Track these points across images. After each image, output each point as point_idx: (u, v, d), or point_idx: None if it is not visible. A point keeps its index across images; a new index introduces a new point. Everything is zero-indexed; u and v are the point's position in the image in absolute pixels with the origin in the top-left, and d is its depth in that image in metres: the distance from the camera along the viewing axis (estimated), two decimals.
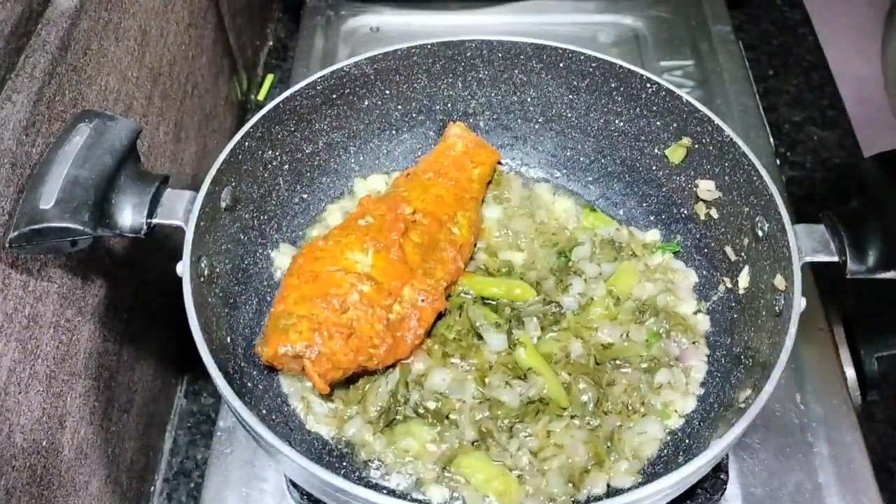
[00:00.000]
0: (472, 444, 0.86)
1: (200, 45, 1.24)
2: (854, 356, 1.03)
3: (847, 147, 1.47)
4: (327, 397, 0.89)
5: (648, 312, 0.96)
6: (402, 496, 0.83)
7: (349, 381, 0.89)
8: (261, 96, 1.51)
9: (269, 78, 1.55)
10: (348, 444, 0.87)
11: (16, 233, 0.71)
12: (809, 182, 1.42)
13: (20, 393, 0.76)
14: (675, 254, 1.03)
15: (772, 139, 1.31)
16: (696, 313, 0.97)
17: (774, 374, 0.71)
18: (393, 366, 0.90)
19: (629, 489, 0.83)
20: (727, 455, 0.92)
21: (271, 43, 1.64)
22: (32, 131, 0.77)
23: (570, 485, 0.84)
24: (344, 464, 0.86)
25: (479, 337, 0.93)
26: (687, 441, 0.86)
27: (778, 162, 1.32)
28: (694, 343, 0.94)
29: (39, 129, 0.78)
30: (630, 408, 0.89)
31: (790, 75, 1.60)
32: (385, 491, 0.84)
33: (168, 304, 0.79)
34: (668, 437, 0.88)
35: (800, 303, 0.76)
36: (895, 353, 1.02)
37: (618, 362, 0.92)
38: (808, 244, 0.80)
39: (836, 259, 0.79)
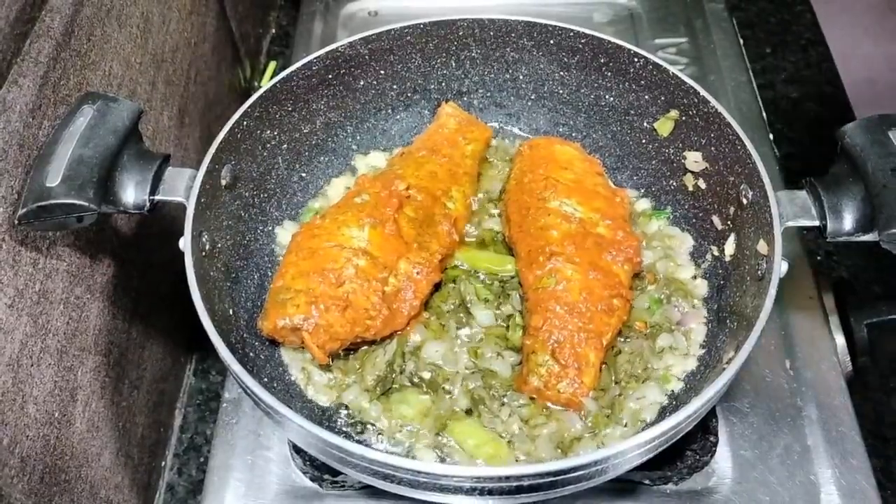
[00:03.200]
0: (466, 412, 0.89)
1: (203, 33, 1.27)
2: (844, 323, 1.04)
3: (844, 122, 1.47)
4: (326, 367, 0.92)
5: (648, 280, 0.99)
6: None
7: (348, 351, 0.92)
8: (263, 83, 1.53)
9: (272, 65, 1.58)
10: (346, 410, 0.90)
11: (24, 210, 0.74)
12: (806, 158, 1.44)
13: (32, 365, 0.79)
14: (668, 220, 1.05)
15: (764, 114, 1.33)
16: (694, 278, 0.99)
17: (754, 335, 0.73)
18: (391, 336, 0.93)
19: None
20: (716, 418, 0.94)
21: (274, 30, 1.67)
22: (38, 114, 0.80)
23: (559, 450, 0.86)
24: (344, 429, 0.89)
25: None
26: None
27: (772, 137, 1.33)
28: (693, 306, 0.97)
29: (45, 111, 0.81)
30: (631, 375, 0.91)
31: (788, 52, 1.61)
32: None
33: (176, 286, 0.82)
34: (668, 402, 0.90)
35: (780, 266, 0.78)
36: (885, 320, 1.03)
37: (621, 331, 0.94)
38: (790, 209, 0.82)
39: (816, 223, 0.81)
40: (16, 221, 0.75)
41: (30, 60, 0.80)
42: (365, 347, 0.94)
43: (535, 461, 0.85)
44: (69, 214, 0.76)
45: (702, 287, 0.98)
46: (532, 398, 0.89)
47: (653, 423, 0.87)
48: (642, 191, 1.08)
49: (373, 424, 0.89)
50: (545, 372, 0.87)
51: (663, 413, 0.89)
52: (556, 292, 0.90)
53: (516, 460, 0.85)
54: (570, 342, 0.87)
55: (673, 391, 0.91)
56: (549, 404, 0.88)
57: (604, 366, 0.90)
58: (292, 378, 0.92)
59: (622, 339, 0.93)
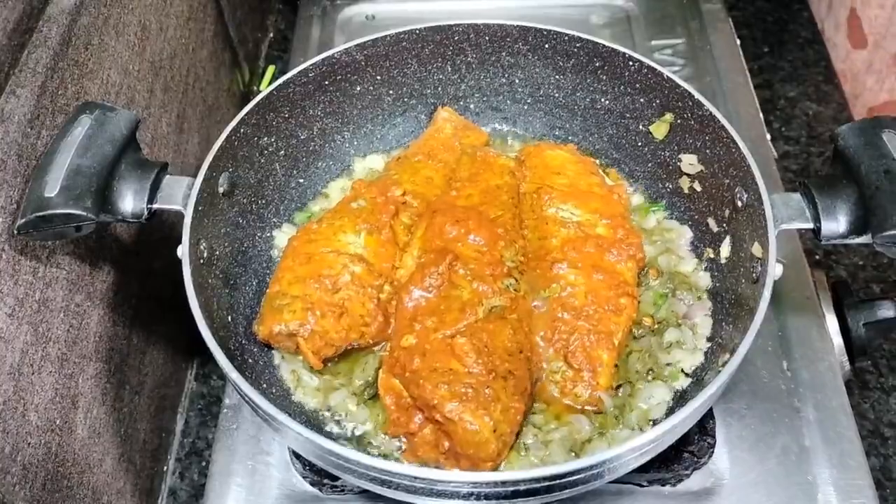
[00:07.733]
0: None
1: (201, 38, 1.27)
2: (842, 323, 1.04)
3: (842, 121, 1.48)
4: (316, 371, 0.92)
5: (651, 275, 0.99)
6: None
7: (341, 355, 0.92)
8: (263, 87, 1.54)
9: (271, 69, 1.58)
10: (333, 413, 0.90)
11: (23, 220, 0.75)
12: (804, 156, 1.44)
13: (33, 374, 0.80)
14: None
15: (762, 115, 1.33)
16: (695, 270, 1.00)
17: (748, 338, 0.73)
18: (382, 342, 0.93)
19: None
20: (713, 420, 0.94)
21: (272, 34, 1.67)
22: (37, 124, 0.81)
23: (573, 453, 0.86)
24: (332, 433, 0.89)
25: None
26: None
27: (770, 137, 1.33)
28: (699, 298, 0.97)
29: (43, 121, 0.82)
30: (641, 374, 0.91)
31: (785, 52, 1.61)
32: None
33: (176, 291, 0.82)
34: (675, 402, 0.90)
35: (775, 269, 0.78)
36: (882, 320, 1.03)
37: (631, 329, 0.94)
38: (784, 212, 0.82)
39: (810, 226, 0.81)
40: (15, 231, 0.75)
41: (28, 70, 0.80)
42: (357, 351, 0.94)
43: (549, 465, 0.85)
44: (67, 224, 0.77)
45: (704, 279, 0.99)
46: (547, 404, 0.89)
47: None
48: (638, 193, 1.08)
49: (359, 427, 0.89)
50: (560, 378, 0.88)
51: (671, 413, 0.88)
52: (562, 299, 0.91)
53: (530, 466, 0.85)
54: (581, 346, 0.88)
55: (681, 388, 0.90)
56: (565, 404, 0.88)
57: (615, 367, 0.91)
58: (282, 380, 0.93)
59: (633, 340, 0.94)
